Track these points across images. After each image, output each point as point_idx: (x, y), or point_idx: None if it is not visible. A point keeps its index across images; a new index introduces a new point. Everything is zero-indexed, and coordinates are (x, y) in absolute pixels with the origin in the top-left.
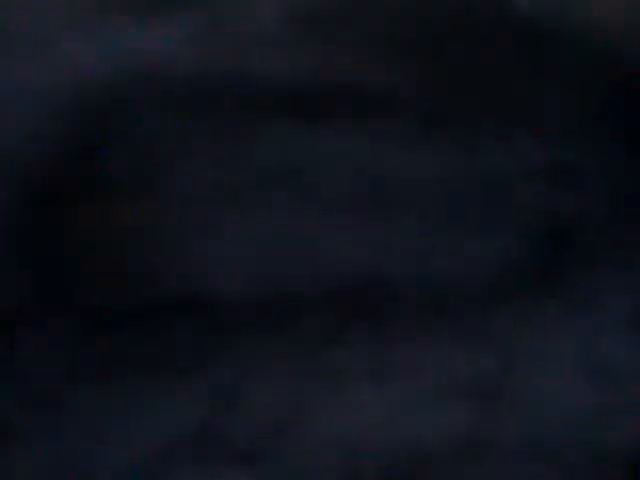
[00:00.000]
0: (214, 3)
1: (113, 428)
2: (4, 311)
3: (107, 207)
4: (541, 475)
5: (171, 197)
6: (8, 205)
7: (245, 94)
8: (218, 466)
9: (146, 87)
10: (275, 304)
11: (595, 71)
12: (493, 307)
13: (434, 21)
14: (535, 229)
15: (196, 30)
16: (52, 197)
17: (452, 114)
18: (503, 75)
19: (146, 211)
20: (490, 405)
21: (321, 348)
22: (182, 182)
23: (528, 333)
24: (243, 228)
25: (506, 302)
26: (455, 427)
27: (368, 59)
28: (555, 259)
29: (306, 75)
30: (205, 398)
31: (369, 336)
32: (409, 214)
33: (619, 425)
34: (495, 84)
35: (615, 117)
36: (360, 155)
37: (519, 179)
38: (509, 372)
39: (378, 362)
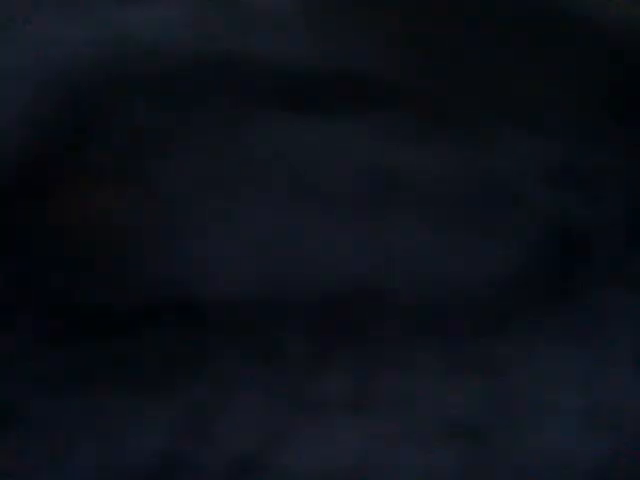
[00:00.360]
0: None
1: (75, 451)
2: None
3: (94, 198)
4: None
5: (163, 189)
6: None
7: (245, 80)
8: None
9: (141, 70)
10: (261, 313)
11: (608, 65)
12: (492, 327)
13: (449, 18)
14: (542, 238)
15: (197, 10)
16: (37, 185)
17: (457, 110)
18: (511, 71)
19: (135, 203)
20: (478, 447)
21: (304, 371)
22: (175, 173)
23: (527, 362)
24: (235, 225)
25: (506, 322)
26: (438, 469)
27: (376, 50)
28: (561, 272)
29: (311, 62)
30: (176, 420)
31: (355, 357)
32: (409, 216)
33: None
34: (503, 80)
35: (633, 115)
36: (362, 150)
37: (527, 181)
38: (502, 407)
39: (362, 390)
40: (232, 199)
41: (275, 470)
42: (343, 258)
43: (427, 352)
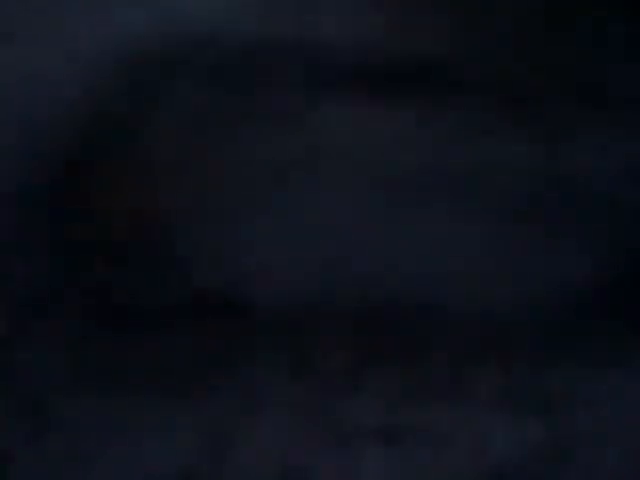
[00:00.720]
0: None
1: (98, 455)
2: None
3: (144, 184)
4: None
5: (214, 178)
6: (37, 177)
7: (310, 64)
8: None
9: (196, 55)
10: (302, 320)
11: None
12: (541, 356)
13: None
14: (613, 249)
15: None
16: (86, 171)
17: (534, 100)
18: (587, 59)
19: (186, 192)
20: None
21: (331, 394)
22: (228, 160)
23: (577, 400)
24: (283, 220)
25: (560, 350)
26: None
27: (440, 35)
28: (629, 294)
29: (377, 47)
30: (196, 436)
31: (387, 382)
32: (468, 214)
33: None
34: (578, 67)
35: None
36: (427, 139)
37: (608, 178)
38: (544, 453)
39: (395, 419)
40: (290, 189)
41: None
42: (394, 263)
43: (475, 381)
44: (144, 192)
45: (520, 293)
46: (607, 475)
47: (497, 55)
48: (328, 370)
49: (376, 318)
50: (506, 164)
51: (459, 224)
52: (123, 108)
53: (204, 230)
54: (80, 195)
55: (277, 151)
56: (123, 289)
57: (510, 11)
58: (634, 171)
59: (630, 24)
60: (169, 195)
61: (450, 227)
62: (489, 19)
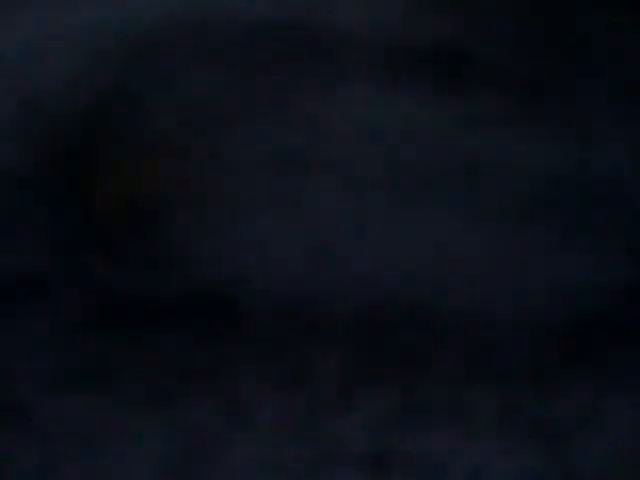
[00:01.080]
0: None
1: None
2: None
3: (142, 168)
4: None
5: (219, 163)
6: (38, 156)
7: (326, 50)
8: None
9: (220, 36)
10: (294, 320)
11: None
12: (542, 374)
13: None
14: (619, 253)
15: None
16: (84, 152)
17: (553, 95)
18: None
19: (186, 177)
20: None
21: (320, 411)
22: (235, 147)
23: (582, 426)
24: (294, 210)
25: (561, 368)
26: None
27: (469, 25)
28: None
29: (395, 36)
30: (170, 449)
31: (379, 400)
32: (486, 215)
33: None
34: (598, 66)
35: None
36: (443, 132)
37: (624, 177)
38: None
39: (381, 443)
40: (290, 182)
41: None
42: (393, 263)
43: (473, 402)
44: (139, 178)
45: (521, 301)
46: None
47: (515, 43)
48: (320, 383)
49: (374, 323)
50: (513, 161)
51: (459, 223)
52: (122, 90)
53: (201, 225)
54: (74, 179)
55: (278, 139)
56: (114, 284)
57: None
58: None
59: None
60: (166, 183)
61: (451, 226)
62: (506, 4)
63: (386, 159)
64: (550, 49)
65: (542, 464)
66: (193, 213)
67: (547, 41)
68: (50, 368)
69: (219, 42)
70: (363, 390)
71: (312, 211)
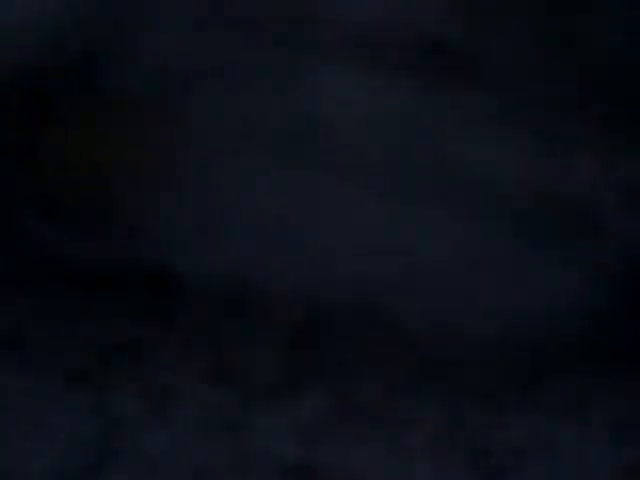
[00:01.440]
0: None
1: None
2: None
3: (106, 131)
4: None
5: (185, 133)
6: None
7: (307, 29)
8: None
9: None
10: (239, 306)
11: None
12: (500, 395)
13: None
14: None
15: None
16: (40, 108)
17: (539, 98)
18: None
19: (151, 145)
20: None
21: (249, 407)
22: (205, 116)
23: (529, 454)
24: (265, 192)
25: (522, 390)
26: None
27: (458, 16)
28: (610, 323)
29: (383, 23)
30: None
31: (314, 405)
32: (458, 214)
33: None
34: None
35: None
36: (424, 129)
37: (605, 198)
38: None
39: (302, 455)
40: (276, 165)
41: None
42: (382, 260)
43: (414, 417)
44: (109, 141)
45: (488, 311)
46: None
47: (512, 43)
48: (251, 379)
49: (324, 318)
50: (493, 163)
51: (429, 223)
52: (90, 41)
53: (156, 195)
54: (27, 137)
55: (265, 120)
56: (50, 249)
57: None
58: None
59: None
60: (128, 147)
61: (421, 226)
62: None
63: (362, 151)
64: (548, 49)
65: None
66: (151, 181)
67: (547, 40)
68: None
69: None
70: (297, 391)
71: (280, 196)
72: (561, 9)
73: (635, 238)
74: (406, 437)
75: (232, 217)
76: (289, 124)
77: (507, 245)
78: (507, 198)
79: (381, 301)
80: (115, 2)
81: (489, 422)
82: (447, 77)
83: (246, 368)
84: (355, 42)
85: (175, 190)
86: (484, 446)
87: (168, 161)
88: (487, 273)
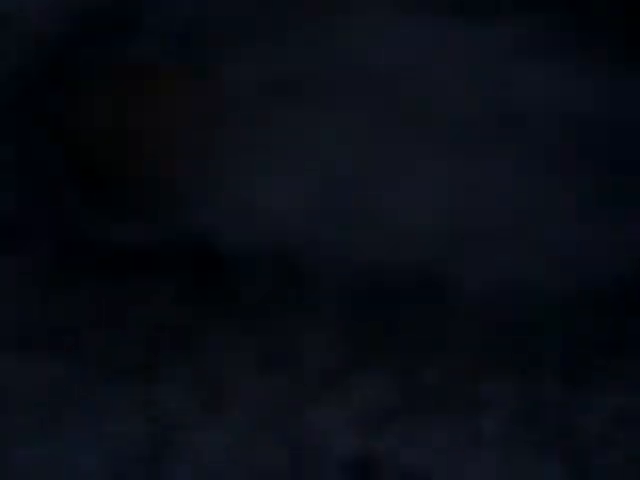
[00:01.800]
0: None
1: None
2: None
3: (128, 99)
4: None
5: (216, 90)
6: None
7: None
8: None
9: None
10: (288, 281)
11: None
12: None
13: None
14: None
15: None
16: (63, 80)
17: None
18: None
19: (180, 107)
20: None
21: (306, 396)
22: (228, 74)
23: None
24: (284, 151)
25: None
26: None
27: None
28: None
29: None
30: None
31: (376, 391)
32: (498, 157)
33: None
34: None
35: None
36: (463, 63)
37: None
38: None
39: (366, 447)
40: (293, 111)
41: None
42: (405, 218)
43: (486, 399)
44: (124, 111)
45: (549, 270)
46: None
47: None
48: (308, 364)
49: (377, 289)
50: (544, 99)
51: (486, 167)
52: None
53: (192, 160)
54: (52, 111)
55: (285, 64)
56: (94, 231)
57: None
58: None
59: None
60: (154, 115)
61: (475, 172)
62: None
63: (397, 93)
64: None
65: None
66: (182, 150)
67: None
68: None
69: None
70: (356, 376)
71: (312, 152)
72: None
73: None
74: (477, 422)
75: (279, 185)
76: (334, 76)
77: (576, 197)
78: (573, 149)
79: (441, 267)
80: None
81: (569, 403)
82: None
83: (305, 351)
84: None
85: (213, 160)
86: (563, 432)
87: (204, 130)
88: (558, 227)
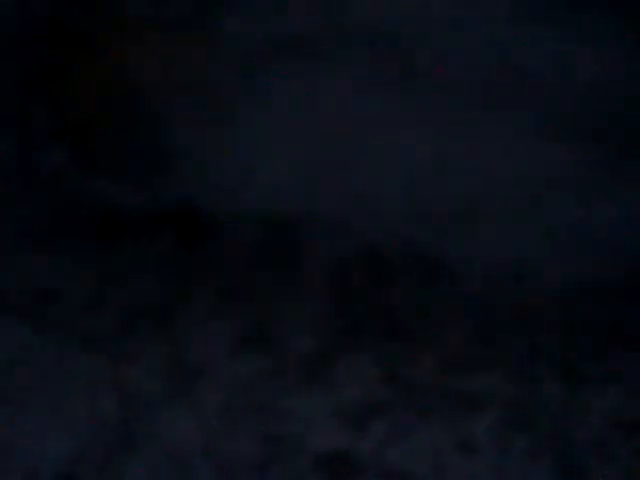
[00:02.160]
0: None
1: None
2: None
3: (124, 54)
4: None
5: (208, 55)
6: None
7: None
8: None
9: None
10: (274, 251)
11: None
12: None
13: None
14: None
15: None
16: (58, 33)
17: None
18: None
19: (174, 75)
20: None
21: (285, 382)
22: (228, 35)
23: None
24: (283, 116)
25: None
26: None
27: None
28: None
29: None
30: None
31: (360, 378)
32: (513, 125)
33: None
34: None
35: None
36: (473, 29)
37: None
38: None
39: (346, 442)
40: (294, 75)
41: None
42: (406, 186)
43: (480, 392)
44: (120, 66)
45: (555, 250)
46: None
47: None
48: (289, 346)
49: (373, 262)
50: (557, 65)
51: (500, 136)
52: None
53: (191, 124)
54: (47, 64)
55: (286, 27)
56: (83, 191)
57: None
58: None
59: None
60: (151, 71)
61: (487, 139)
62: None
63: (402, 57)
64: None
65: None
66: (178, 108)
67: None
68: None
69: None
70: (340, 360)
71: (312, 116)
72: None
73: None
74: (468, 418)
75: (279, 145)
76: (338, 37)
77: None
78: (588, 116)
79: (439, 242)
80: None
81: (567, 401)
82: None
83: (287, 331)
84: None
85: (212, 116)
86: (561, 432)
87: (201, 84)
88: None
